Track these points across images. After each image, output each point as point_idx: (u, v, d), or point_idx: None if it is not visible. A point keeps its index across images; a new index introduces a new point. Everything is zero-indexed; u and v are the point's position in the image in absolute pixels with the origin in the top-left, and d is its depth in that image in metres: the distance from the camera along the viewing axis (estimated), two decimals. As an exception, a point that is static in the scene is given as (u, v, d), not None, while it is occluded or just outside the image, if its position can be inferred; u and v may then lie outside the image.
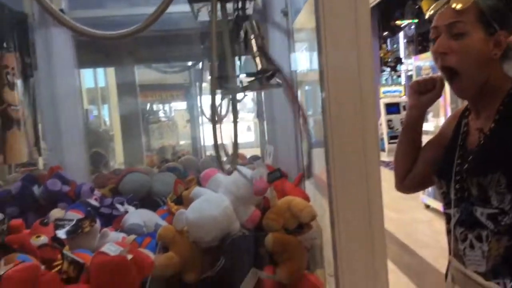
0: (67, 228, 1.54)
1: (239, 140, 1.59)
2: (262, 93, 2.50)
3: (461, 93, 1.45)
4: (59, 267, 1.27)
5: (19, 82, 1.82)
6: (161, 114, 9.47)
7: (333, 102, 0.83)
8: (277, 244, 1.50)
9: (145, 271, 1.16)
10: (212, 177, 1.62)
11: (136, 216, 1.81)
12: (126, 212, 1.94)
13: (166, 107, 9.21)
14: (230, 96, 1.64)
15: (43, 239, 1.38)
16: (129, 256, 1.15)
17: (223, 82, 1.43)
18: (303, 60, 2.18)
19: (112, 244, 1.19)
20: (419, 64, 7.95)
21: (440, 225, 6.47)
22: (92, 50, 2.84)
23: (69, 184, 1.94)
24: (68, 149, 2.22)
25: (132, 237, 1.60)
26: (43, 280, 1.07)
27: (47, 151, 2.15)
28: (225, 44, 1.41)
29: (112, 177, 2.80)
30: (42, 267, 1.27)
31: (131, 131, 3.98)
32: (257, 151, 3.33)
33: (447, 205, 1.48)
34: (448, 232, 1.48)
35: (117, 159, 4.84)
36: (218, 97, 1.56)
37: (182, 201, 2.04)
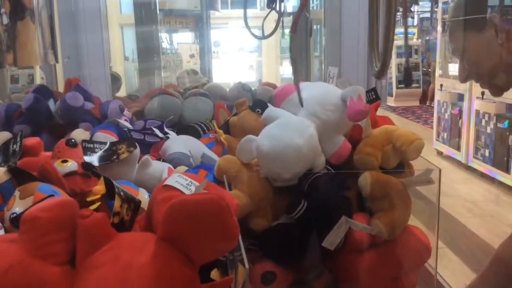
0: (99, 153, 1.17)
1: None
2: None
3: None
4: (96, 204, 0.90)
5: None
6: (165, 45, 8.96)
7: None
8: (377, 187, 1.14)
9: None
10: (291, 95, 1.22)
11: (179, 143, 1.43)
12: (162, 139, 1.55)
13: (174, 37, 8.67)
14: None
15: (72, 165, 1.00)
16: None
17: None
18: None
19: (181, 175, 0.81)
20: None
21: (455, 173, 6.27)
22: None
23: (91, 100, 1.54)
24: (87, 63, 1.80)
25: (183, 168, 1.23)
26: (85, 224, 0.70)
27: (65, 59, 1.74)
28: None
29: (128, 102, 2.42)
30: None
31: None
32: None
33: None
34: None
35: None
36: None
37: (228, 129, 1.67)
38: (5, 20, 1.17)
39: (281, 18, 2.10)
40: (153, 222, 0.78)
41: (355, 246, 1.16)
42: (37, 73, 3.01)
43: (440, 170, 1.13)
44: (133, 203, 0.79)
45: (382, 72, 0.73)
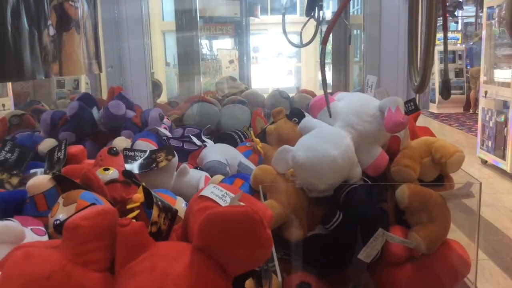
0: (139, 161, 1.20)
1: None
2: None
3: None
4: (136, 212, 0.93)
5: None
6: (205, 51, 9.08)
7: None
8: (415, 200, 1.12)
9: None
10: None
11: (216, 152, 1.45)
12: (199, 147, 1.58)
13: (214, 43, 8.79)
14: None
15: (113, 173, 1.04)
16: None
17: None
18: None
19: (217, 186, 0.82)
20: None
21: (499, 182, 6.06)
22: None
23: (133, 108, 1.59)
24: (130, 71, 1.85)
25: (219, 177, 1.24)
26: (124, 233, 0.73)
27: (108, 68, 1.79)
28: None
29: (169, 108, 2.47)
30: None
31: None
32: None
33: None
34: None
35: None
36: None
37: (265, 137, 1.68)
38: (52, 31, 1.23)
39: (320, 26, 2.10)
40: (189, 231, 0.80)
41: (391, 259, 1.15)
42: (82, 78, 3.11)
43: (480, 184, 1.10)
44: (170, 213, 0.81)
45: (422, 87, 0.72)
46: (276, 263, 0.74)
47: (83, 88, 3.15)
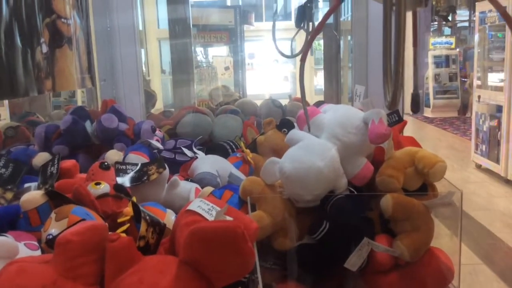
0: (131, 174, 1.23)
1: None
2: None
3: None
4: (126, 226, 0.96)
5: (69, -8, 1.47)
6: (200, 58, 9.11)
7: None
8: (399, 209, 1.15)
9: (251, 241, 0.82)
10: (313, 118, 1.26)
11: (207, 163, 1.49)
12: (191, 158, 1.61)
13: (210, 50, 8.83)
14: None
15: (104, 187, 1.07)
16: (228, 219, 0.82)
17: None
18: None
19: (203, 200, 0.85)
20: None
21: (493, 186, 6.10)
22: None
23: (126, 121, 1.62)
24: (122, 82, 1.88)
25: (209, 189, 1.27)
26: (113, 248, 0.76)
27: (101, 82, 1.82)
28: None
29: (163, 118, 2.50)
30: (105, 225, 0.95)
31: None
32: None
33: None
34: None
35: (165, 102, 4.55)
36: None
37: (255, 148, 1.71)
38: (45, 48, 1.26)
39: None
40: (176, 245, 0.83)
41: (377, 267, 1.18)
42: (78, 87, 3.16)
43: (462, 193, 1.14)
44: (158, 227, 0.84)
45: (393, 104, 0.75)
46: (259, 274, 0.77)
47: (79, 97, 3.21)
